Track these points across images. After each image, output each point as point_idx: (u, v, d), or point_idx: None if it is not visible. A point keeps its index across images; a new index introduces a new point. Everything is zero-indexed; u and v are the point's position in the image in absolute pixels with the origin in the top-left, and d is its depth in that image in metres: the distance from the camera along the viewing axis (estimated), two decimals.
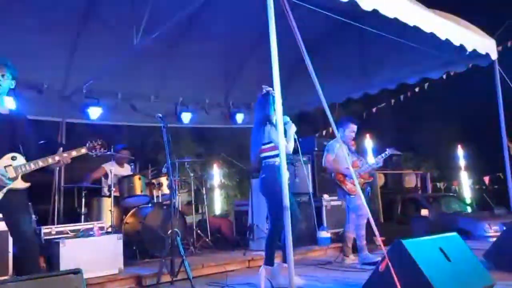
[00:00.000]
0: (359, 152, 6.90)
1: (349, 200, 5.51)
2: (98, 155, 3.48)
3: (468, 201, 11.50)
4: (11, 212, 3.15)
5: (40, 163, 3.22)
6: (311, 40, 6.49)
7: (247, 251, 6.03)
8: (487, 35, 5.83)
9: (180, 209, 6.73)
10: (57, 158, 3.26)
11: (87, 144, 3.44)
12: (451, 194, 10.67)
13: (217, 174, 11.54)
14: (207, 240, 6.68)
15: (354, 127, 5.61)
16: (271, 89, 4.22)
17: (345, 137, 5.52)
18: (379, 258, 3.45)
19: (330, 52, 7.30)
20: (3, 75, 3.22)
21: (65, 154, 3.29)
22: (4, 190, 3.08)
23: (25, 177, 3.20)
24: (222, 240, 7.11)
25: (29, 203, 3.30)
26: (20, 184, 3.16)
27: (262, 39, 4.34)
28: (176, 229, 4.54)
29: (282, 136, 3.47)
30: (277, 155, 4.12)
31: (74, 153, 3.35)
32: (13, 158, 3.17)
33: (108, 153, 3.56)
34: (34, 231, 3.36)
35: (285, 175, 3.40)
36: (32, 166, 3.19)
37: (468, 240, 3.94)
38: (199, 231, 6.74)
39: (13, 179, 3.12)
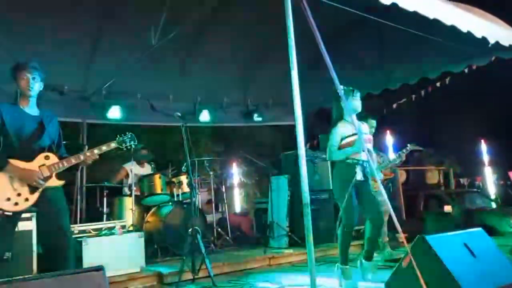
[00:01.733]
0: (380, 148, 6.83)
1: None
2: (127, 148, 3.52)
3: (493, 196, 11.26)
4: (48, 207, 3.20)
5: (73, 161, 3.29)
6: (329, 36, 6.41)
7: (267, 249, 6.02)
8: (510, 27, 5.68)
9: (200, 207, 6.77)
10: (88, 154, 3.32)
11: (117, 138, 3.49)
12: (474, 190, 10.49)
13: (236, 172, 11.57)
14: (228, 238, 6.70)
15: (372, 122, 5.54)
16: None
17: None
18: (402, 255, 3.40)
19: (348, 47, 7.21)
20: (34, 78, 3.28)
21: (95, 150, 3.35)
22: (40, 189, 3.15)
23: (59, 175, 3.26)
24: (242, 238, 7.12)
25: (65, 201, 3.36)
26: (55, 182, 3.24)
27: (279, 36, 4.31)
28: (196, 227, 4.55)
29: (301, 133, 3.42)
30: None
31: (104, 148, 3.41)
32: (46, 158, 3.23)
33: (131, 147, 3.58)
34: (70, 228, 3.41)
35: (304, 171, 3.35)
36: (65, 163, 3.26)
37: (493, 237, 3.84)
38: (219, 229, 6.76)
39: (48, 178, 3.19)
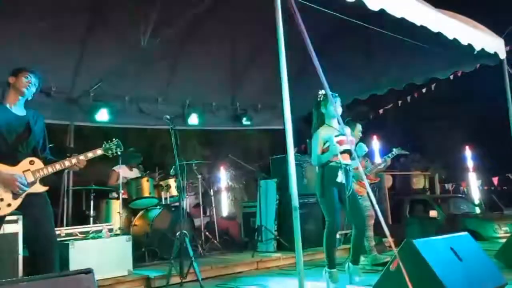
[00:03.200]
0: (366, 153, 6.87)
1: None
2: (113, 155, 3.49)
3: (477, 202, 11.42)
4: (31, 212, 3.16)
5: (58, 166, 3.23)
6: (317, 41, 6.47)
7: (256, 253, 6.02)
8: (495, 34, 5.79)
9: (188, 211, 6.75)
10: (73, 160, 3.27)
11: (103, 145, 3.46)
12: (459, 195, 10.62)
13: (224, 176, 11.56)
14: (215, 242, 6.69)
15: (358, 126, 5.60)
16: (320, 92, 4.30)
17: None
18: (389, 259, 3.43)
19: (336, 53, 7.26)
20: (34, 84, 3.30)
21: (81, 157, 3.30)
22: (23, 195, 3.10)
23: (43, 181, 3.21)
24: (230, 242, 7.12)
25: (50, 205, 3.31)
26: (39, 188, 3.18)
27: (268, 40, 4.34)
28: (184, 231, 4.54)
29: (291, 137, 3.43)
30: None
31: (90, 155, 3.37)
32: (31, 163, 3.17)
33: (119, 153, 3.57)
34: (54, 232, 3.37)
35: (293, 175, 3.36)
36: (50, 169, 3.20)
37: (478, 241, 3.90)
38: (207, 233, 6.75)
39: (32, 183, 3.13)
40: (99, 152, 3.43)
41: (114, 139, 3.52)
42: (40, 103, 6.00)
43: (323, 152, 4.19)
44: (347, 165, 4.20)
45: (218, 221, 7.50)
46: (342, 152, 4.14)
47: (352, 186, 4.26)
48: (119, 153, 3.52)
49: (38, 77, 3.33)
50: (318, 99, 4.35)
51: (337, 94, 4.28)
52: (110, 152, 3.47)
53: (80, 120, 7.04)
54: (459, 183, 12.16)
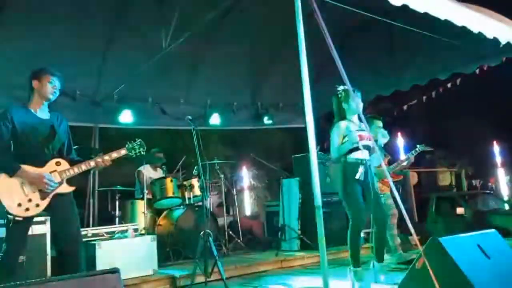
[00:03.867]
0: (390, 150, 6.79)
1: None
2: (137, 155, 3.53)
3: (506, 198, 11.13)
4: (59, 213, 3.23)
5: (83, 167, 3.29)
6: (339, 38, 6.45)
7: (279, 252, 6.02)
8: None
9: (211, 210, 6.79)
10: (99, 160, 3.33)
11: (126, 145, 3.50)
12: (487, 191, 10.38)
13: (246, 176, 11.58)
14: (239, 241, 6.71)
15: (378, 122, 5.52)
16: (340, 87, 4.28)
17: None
18: (414, 257, 3.38)
19: (359, 49, 7.20)
20: (57, 89, 3.36)
21: (106, 157, 3.35)
22: (51, 195, 3.17)
23: (69, 181, 3.28)
24: (253, 241, 7.13)
25: (76, 207, 3.38)
26: (66, 189, 3.24)
27: (289, 39, 4.31)
28: (208, 230, 4.56)
29: (313, 136, 3.42)
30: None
31: (114, 155, 3.41)
32: (57, 164, 3.24)
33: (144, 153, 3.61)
34: (80, 234, 3.44)
35: (316, 174, 3.35)
36: (76, 170, 3.27)
37: (507, 238, 3.80)
38: (231, 232, 6.78)
39: (59, 184, 3.20)
40: (123, 152, 3.47)
41: (137, 139, 3.56)
42: (65, 106, 6.14)
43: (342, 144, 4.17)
44: (367, 161, 4.17)
45: (242, 220, 7.51)
46: (355, 149, 4.11)
47: (375, 183, 4.22)
48: (142, 153, 3.56)
49: (61, 79, 3.37)
50: (338, 95, 4.32)
51: (357, 89, 4.24)
52: (133, 151, 3.51)
53: (104, 122, 7.18)
54: (487, 179, 11.90)
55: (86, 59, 6.34)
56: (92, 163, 3.32)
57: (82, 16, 5.84)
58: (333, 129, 4.27)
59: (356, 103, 4.13)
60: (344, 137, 4.17)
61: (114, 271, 2.19)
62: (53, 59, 5.64)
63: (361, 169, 4.10)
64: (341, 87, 4.28)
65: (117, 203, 6.23)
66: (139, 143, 3.53)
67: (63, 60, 5.85)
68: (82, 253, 3.27)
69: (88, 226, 6.28)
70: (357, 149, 4.13)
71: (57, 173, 3.21)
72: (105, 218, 6.52)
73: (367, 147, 4.16)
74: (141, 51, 6.25)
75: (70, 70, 5.99)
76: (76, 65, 6.09)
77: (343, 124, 4.24)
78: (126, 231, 5.08)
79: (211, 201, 7.14)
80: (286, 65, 7.07)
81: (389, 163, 5.68)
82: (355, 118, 4.29)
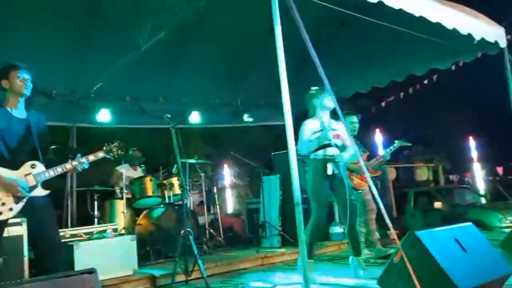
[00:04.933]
0: (369, 146, 6.87)
1: (356, 195, 5.50)
2: (116, 157, 3.48)
3: (482, 192, 11.38)
4: (34, 215, 3.16)
5: (59, 170, 3.22)
6: (317, 35, 6.46)
7: (260, 249, 6.03)
8: (495, 23, 5.75)
9: (192, 209, 6.76)
10: (75, 163, 3.26)
11: (104, 147, 3.44)
12: (464, 186, 10.59)
13: (227, 173, 11.56)
14: (220, 239, 6.70)
15: (353, 118, 5.61)
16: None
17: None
18: (393, 251, 3.43)
19: (336, 47, 7.26)
20: (29, 79, 3.25)
21: (83, 160, 3.29)
22: (25, 200, 3.10)
23: (45, 184, 3.21)
24: (234, 239, 7.12)
25: (52, 207, 3.31)
26: (41, 192, 3.17)
27: (268, 36, 4.31)
28: (189, 229, 4.54)
29: (291, 133, 3.46)
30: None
31: (92, 157, 3.35)
32: (32, 166, 3.16)
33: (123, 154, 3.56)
34: (58, 234, 3.37)
35: (295, 171, 3.37)
36: (52, 173, 3.19)
37: (483, 231, 3.89)
38: (211, 231, 6.76)
39: (33, 187, 3.13)
40: (100, 154, 3.41)
41: (115, 140, 3.50)
42: (42, 106, 6.03)
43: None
44: (335, 156, 4.27)
45: (223, 218, 7.50)
46: (327, 146, 4.23)
47: (346, 178, 4.29)
48: (121, 155, 3.51)
49: (29, 70, 3.27)
50: (311, 93, 4.41)
51: (330, 88, 4.31)
52: (111, 154, 3.46)
53: (82, 121, 7.09)
54: (463, 173, 12.13)
55: (62, 57, 6.24)
56: (69, 166, 3.25)
57: (57, 13, 5.74)
58: (302, 126, 4.37)
59: (327, 101, 4.24)
60: (312, 134, 4.25)
61: (91, 271, 2.17)
62: (27, 58, 5.47)
63: (330, 166, 4.17)
64: (313, 87, 4.39)
65: (95, 203, 6.14)
66: (117, 144, 3.48)
67: (37, 59, 5.73)
68: (61, 254, 3.21)
69: (66, 227, 6.18)
70: (327, 146, 4.21)
71: (32, 176, 3.12)
72: (84, 219, 6.42)
73: (336, 145, 4.28)
74: (118, 49, 6.16)
75: (45, 69, 5.90)
76: (51, 64, 5.99)
77: (312, 121, 4.32)
78: (105, 231, 5.02)
79: (191, 199, 7.11)
80: (265, 63, 7.07)
81: (368, 158, 5.74)
82: (326, 116, 4.40)
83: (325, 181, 4.20)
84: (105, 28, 6.14)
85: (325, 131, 4.21)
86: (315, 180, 4.24)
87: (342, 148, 4.35)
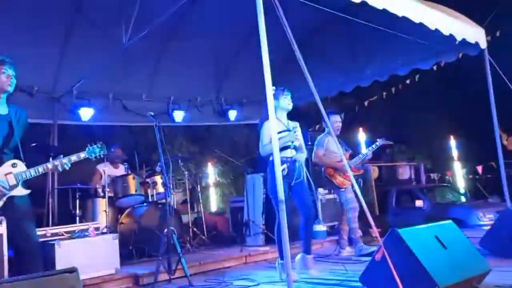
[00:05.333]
0: (352, 145, 6.92)
1: (339, 193, 5.56)
2: (98, 158, 3.47)
3: (462, 190, 11.57)
4: (13, 215, 3.13)
5: (41, 170, 3.20)
6: (301, 34, 6.49)
7: (244, 247, 6.03)
8: (476, 24, 5.85)
9: (175, 207, 6.72)
10: (56, 163, 3.23)
11: (87, 149, 3.42)
12: (444, 184, 10.74)
13: (211, 172, 11.54)
14: (204, 237, 6.68)
15: (336, 117, 5.66)
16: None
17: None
18: (375, 249, 3.47)
19: (320, 46, 7.29)
20: (14, 76, 3.22)
21: (64, 160, 3.26)
22: (4, 198, 3.05)
23: (26, 183, 3.17)
24: (218, 237, 7.12)
25: (31, 206, 3.27)
26: (20, 192, 3.14)
27: (252, 35, 4.31)
28: (172, 227, 4.52)
29: (275, 132, 3.47)
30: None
31: (73, 158, 3.33)
32: (13, 165, 3.13)
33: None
34: (36, 233, 3.34)
35: (278, 170, 3.39)
36: (33, 173, 3.17)
37: (463, 229, 3.96)
38: (195, 229, 6.74)
39: (14, 186, 3.09)
40: (82, 155, 3.40)
41: (98, 142, 3.50)
42: (22, 102, 5.90)
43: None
44: (291, 158, 4.35)
45: (206, 217, 7.49)
46: (285, 148, 4.32)
47: (302, 176, 4.37)
48: (102, 156, 3.51)
49: (13, 65, 3.24)
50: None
51: (285, 89, 4.46)
52: (93, 155, 3.45)
53: (64, 118, 6.98)
54: (444, 172, 12.30)
55: (43, 53, 6.13)
56: (50, 166, 3.23)
57: (38, 8, 5.64)
58: (262, 127, 4.41)
59: (286, 101, 4.38)
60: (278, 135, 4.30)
61: (72, 270, 2.14)
62: (6, 53, 5.42)
63: (284, 166, 4.22)
64: (273, 87, 4.42)
65: (77, 201, 6.06)
66: (99, 145, 3.48)
67: (18, 53, 5.60)
68: (38, 254, 3.17)
69: (47, 225, 6.09)
70: (285, 148, 4.25)
71: (12, 175, 3.10)
72: (65, 217, 6.33)
73: (295, 146, 4.39)
74: (101, 45, 6.10)
75: (26, 65, 5.79)
76: (32, 59, 5.89)
77: (268, 124, 4.35)
78: (87, 230, 4.96)
79: (175, 198, 7.07)
80: (250, 61, 7.06)
81: (351, 157, 5.79)
82: (283, 116, 4.50)
83: (284, 182, 4.23)
84: (87, 24, 6.06)
85: (292, 135, 4.30)
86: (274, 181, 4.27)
87: (299, 149, 4.45)
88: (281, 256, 4.17)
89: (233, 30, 7.03)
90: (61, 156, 3.31)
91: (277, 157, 3.38)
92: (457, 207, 8.32)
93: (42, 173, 3.23)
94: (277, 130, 4.26)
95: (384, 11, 4.36)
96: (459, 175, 12.51)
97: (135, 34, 5.26)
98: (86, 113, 6.80)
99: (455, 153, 12.90)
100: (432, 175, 11.55)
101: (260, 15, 3.44)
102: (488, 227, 5.25)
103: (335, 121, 5.64)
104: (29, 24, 5.72)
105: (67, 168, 3.30)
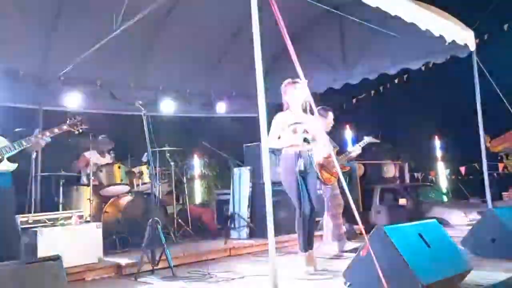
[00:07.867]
0: (339, 141, 6.94)
1: (325, 190, 5.57)
2: (79, 131, 3.46)
3: (444, 190, 11.71)
4: None
5: (24, 143, 3.17)
6: (292, 30, 6.48)
7: (228, 240, 6.03)
8: (466, 26, 5.90)
9: (160, 198, 6.69)
10: (39, 136, 3.22)
11: (68, 121, 3.40)
12: (428, 183, 10.86)
13: (197, 164, 11.46)
14: (188, 229, 6.66)
15: (331, 114, 5.67)
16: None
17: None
18: (358, 245, 3.49)
19: (311, 42, 7.30)
20: None
21: (47, 132, 3.24)
22: None
23: (10, 159, 3.13)
24: (203, 229, 7.10)
25: (13, 188, 3.24)
26: (6, 166, 3.10)
27: (243, 28, 4.28)
28: (156, 218, 4.50)
29: (265, 125, 3.45)
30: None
31: (56, 130, 3.33)
32: None
33: (89, 137, 3.56)
34: (15, 219, 3.30)
35: (267, 163, 3.37)
36: (16, 146, 3.14)
37: (445, 228, 4.01)
38: (180, 220, 6.71)
39: None
40: (64, 127, 3.40)
41: (77, 115, 3.49)
42: (8, 87, 5.82)
43: (279, 137, 4.30)
44: (304, 152, 4.31)
45: (191, 209, 7.45)
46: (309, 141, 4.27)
47: (315, 172, 4.36)
48: (84, 129, 3.52)
49: None
50: (284, 86, 4.42)
51: (300, 81, 4.34)
52: (75, 127, 3.44)
53: (50, 105, 6.85)
54: (428, 172, 12.41)
55: (31, 37, 6.02)
56: (33, 139, 3.21)
57: None
58: (273, 121, 4.36)
59: (299, 94, 4.25)
60: (283, 129, 4.26)
61: (56, 258, 2.11)
62: None
63: (300, 160, 4.23)
64: (286, 80, 4.39)
65: (61, 189, 5.97)
66: (80, 119, 3.47)
67: (4, 36, 5.53)
68: (16, 240, 3.14)
69: (29, 212, 6.00)
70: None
71: None
72: (48, 205, 6.24)
73: (305, 139, 4.32)
74: (90, 31, 5.99)
75: (12, 48, 5.70)
76: (19, 42, 5.78)
77: (283, 116, 4.33)
78: (70, 218, 4.91)
79: (160, 189, 7.03)
80: (240, 54, 7.04)
81: (338, 154, 5.81)
82: (298, 109, 4.41)
83: (297, 176, 4.22)
84: (77, 9, 5.96)
85: (298, 138, 4.24)
86: (287, 175, 4.26)
87: (312, 141, 4.40)
88: (305, 248, 4.22)
89: (224, 23, 6.99)
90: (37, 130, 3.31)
91: (266, 149, 3.35)
92: (439, 206, 8.43)
93: (26, 147, 3.18)
94: (289, 123, 4.27)
95: (377, 9, 4.36)
96: (442, 175, 12.64)
97: (125, 21, 5.19)
98: (72, 100, 6.70)
99: (439, 153, 13.04)
100: (416, 174, 11.65)
101: (253, 8, 3.41)
102: (470, 227, 5.33)
103: (329, 118, 5.64)
104: (16, 7, 5.60)
105: (49, 140, 3.28)
